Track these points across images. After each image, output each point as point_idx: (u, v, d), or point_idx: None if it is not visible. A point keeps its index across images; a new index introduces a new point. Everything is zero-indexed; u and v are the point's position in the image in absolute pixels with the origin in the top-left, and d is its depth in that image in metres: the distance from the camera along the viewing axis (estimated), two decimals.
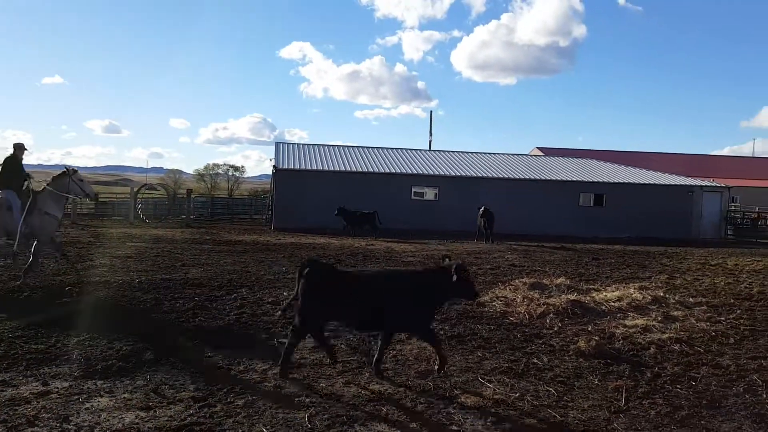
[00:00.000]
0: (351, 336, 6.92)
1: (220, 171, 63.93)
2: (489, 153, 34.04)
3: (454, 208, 26.29)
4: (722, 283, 11.70)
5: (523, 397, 5.15)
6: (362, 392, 5.13)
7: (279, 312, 7.49)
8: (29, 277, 9.89)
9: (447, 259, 5.93)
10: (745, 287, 11.30)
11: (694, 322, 8.00)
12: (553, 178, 28.50)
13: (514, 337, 7.16)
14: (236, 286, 9.95)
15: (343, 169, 27.38)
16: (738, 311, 8.88)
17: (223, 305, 8.46)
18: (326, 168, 27.28)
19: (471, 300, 6.78)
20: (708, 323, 7.99)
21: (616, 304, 8.74)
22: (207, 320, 7.53)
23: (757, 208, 32.43)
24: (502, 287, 10.10)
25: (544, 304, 8.53)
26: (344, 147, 32.71)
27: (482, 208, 21.18)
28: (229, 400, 4.87)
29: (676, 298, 9.37)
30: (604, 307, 8.60)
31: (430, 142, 43.57)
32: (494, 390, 5.29)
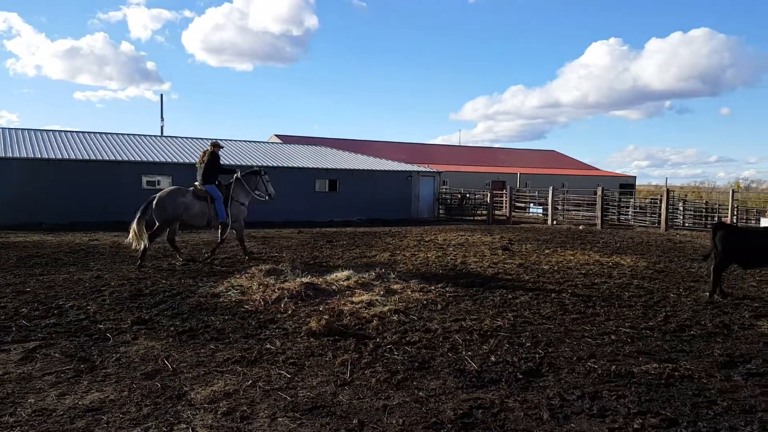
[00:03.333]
0: (66, 342, 6.27)
1: None
2: (228, 140, 33.46)
3: None
4: (433, 256, 13.32)
5: (255, 384, 5.23)
6: (79, 403, 4.68)
7: None
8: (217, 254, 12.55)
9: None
10: (451, 259, 13.06)
11: (410, 293, 9.00)
12: (291, 165, 29.19)
13: (249, 325, 7.21)
14: None
15: (61, 156, 24.26)
16: (445, 281, 10.22)
17: None
18: (41, 155, 23.92)
19: None
20: (421, 293, 9.05)
21: (346, 283, 9.38)
22: None
23: (462, 189, 37.52)
24: (239, 276, 10.09)
25: (279, 289, 8.75)
26: (63, 132, 29.11)
27: None
28: None
29: (396, 273, 10.41)
30: (334, 287, 9.16)
31: (162, 127, 41.23)
32: (226, 381, 5.28)
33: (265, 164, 28.42)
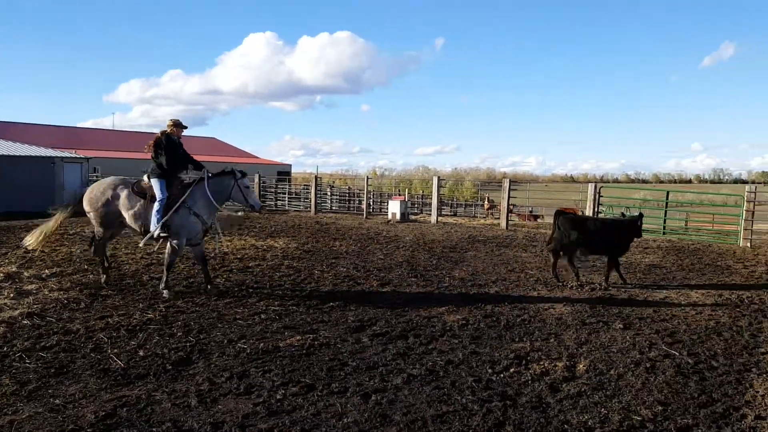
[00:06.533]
0: None
1: None
2: None
3: None
4: (79, 250, 12.16)
5: None
6: None
7: None
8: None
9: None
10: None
11: (48, 293, 8.08)
12: None
13: None
14: None
15: None
16: (91, 276, 9.44)
17: None
18: None
19: None
20: (61, 292, 8.20)
21: None
22: None
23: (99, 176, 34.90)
24: None
25: None
26: None
27: None
28: None
29: (31, 272, 9.22)
30: None
31: None
32: None
33: None
